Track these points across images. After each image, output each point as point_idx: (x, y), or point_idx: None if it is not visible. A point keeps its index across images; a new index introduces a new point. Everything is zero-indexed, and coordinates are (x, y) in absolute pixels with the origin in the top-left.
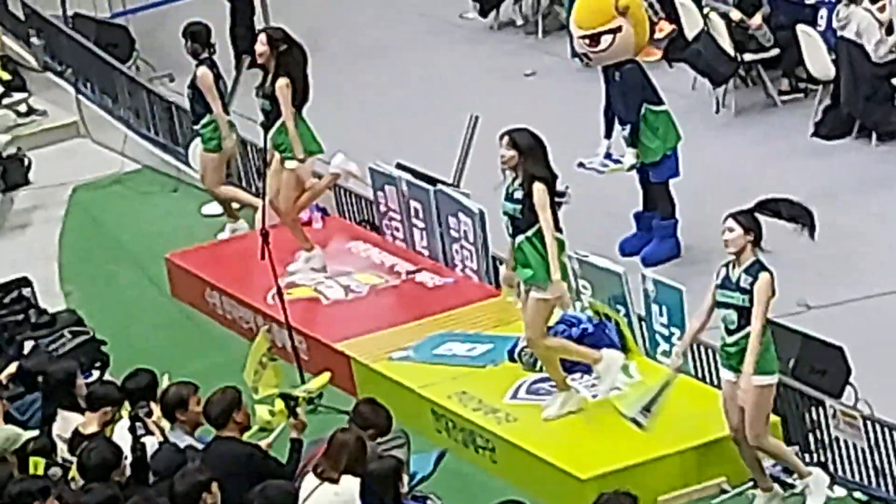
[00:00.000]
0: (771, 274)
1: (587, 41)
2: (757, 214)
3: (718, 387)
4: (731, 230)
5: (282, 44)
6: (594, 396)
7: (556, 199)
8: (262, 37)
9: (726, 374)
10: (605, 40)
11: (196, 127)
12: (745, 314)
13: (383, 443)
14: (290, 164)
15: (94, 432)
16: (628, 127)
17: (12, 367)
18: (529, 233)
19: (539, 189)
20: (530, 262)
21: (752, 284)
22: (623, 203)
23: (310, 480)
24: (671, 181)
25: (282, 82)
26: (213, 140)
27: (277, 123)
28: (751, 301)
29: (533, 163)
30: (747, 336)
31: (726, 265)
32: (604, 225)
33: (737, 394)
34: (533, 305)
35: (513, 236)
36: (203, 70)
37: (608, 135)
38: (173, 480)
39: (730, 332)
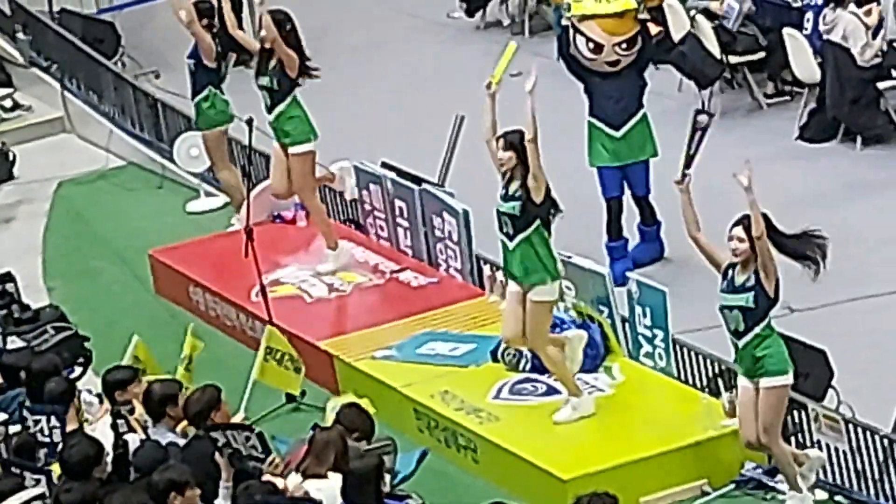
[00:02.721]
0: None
1: (623, 46)
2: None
3: (700, 389)
4: (739, 239)
5: (287, 23)
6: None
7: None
8: (267, 19)
9: (743, 382)
10: (639, 41)
11: (195, 100)
12: (750, 315)
13: (372, 449)
14: (295, 149)
15: (74, 429)
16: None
17: None
18: (529, 231)
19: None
20: (530, 263)
21: (756, 280)
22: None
23: (292, 479)
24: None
25: (292, 58)
26: (209, 115)
27: (281, 107)
28: (754, 301)
29: (527, 161)
30: (756, 338)
31: (731, 267)
32: (588, 226)
33: (754, 399)
34: (534, 311)
35: (511, 237)
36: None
37: None
38: (153, 472)
39: (738, 336)
